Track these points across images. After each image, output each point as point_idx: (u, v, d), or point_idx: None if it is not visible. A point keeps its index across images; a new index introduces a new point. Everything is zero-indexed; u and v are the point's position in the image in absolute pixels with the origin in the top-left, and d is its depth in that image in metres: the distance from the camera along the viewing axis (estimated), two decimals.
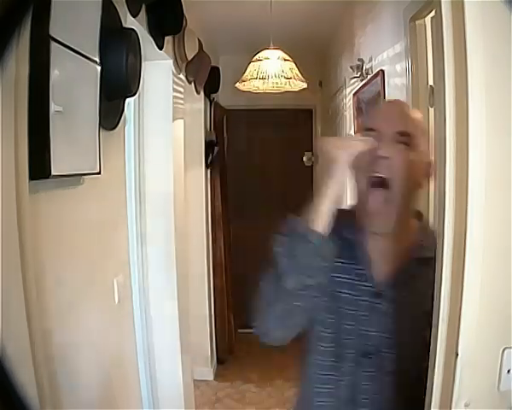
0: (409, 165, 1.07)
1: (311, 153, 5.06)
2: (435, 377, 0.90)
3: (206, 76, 3.54)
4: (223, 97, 4.54)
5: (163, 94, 2.66)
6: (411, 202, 1.12)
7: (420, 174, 1.12)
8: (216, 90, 4.16)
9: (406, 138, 1.09)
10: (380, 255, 1.11)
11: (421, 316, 0.97)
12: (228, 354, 4.24)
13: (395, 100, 1.28)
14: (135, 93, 1.81)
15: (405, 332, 1.07)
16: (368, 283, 1.09)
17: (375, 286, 1.09)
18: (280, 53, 2.76)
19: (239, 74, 2.88)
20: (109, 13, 1.61)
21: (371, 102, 2.75)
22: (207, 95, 3.98)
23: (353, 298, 1.09)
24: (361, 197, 1.10)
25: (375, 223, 1.08)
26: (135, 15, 1.98)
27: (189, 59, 2.91)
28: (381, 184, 1.06)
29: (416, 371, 0.97)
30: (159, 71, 2.62)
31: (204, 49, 3.38)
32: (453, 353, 0.86)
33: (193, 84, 3.34)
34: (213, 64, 3.75)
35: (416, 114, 1.21)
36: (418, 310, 1.03)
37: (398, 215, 1.07)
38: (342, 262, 1.10)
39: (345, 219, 1.12)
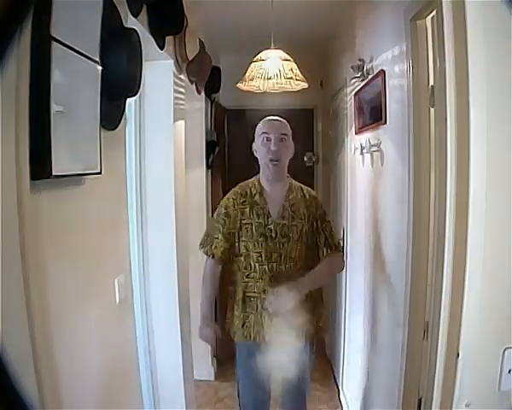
0: (286, 150, 2.26)
1: (311, 153, 5.06)
2: (436, 377, 0.90)
3: (206, 76, 3.54)
4: (224, 97, 4.54)
5: (164, 94, 2.66)
6: (287, 165, 2.30)
7: (291, 152, 2.31)
8: (217, 90, 4.16)
9: (284, 136, 2.24)
10: (273, 195, 2.28)
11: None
12: (229, 354, 4.23)
13: (275, 117, 2.32)
14: (136, 93, 1.81)
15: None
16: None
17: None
18: (281, 53, 2.76)
19: (240, 74, 2.87)
20: (110, 13, 1.61)
21: (372, 102, 2.75)
22: (208, 95, 3.98)
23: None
24: (264, 168, 2.28)
25: (273, 176, 2.27)
26: (136, 15, 1.99)
27: (190, 59, 2.91)
28: (275, 160, 2.23)
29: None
30: (160, 71, 2.62)
31: (205, 49, 3.38)
32: (454, 353, 0.86)
33: (194, 84, 3.34)
34: (214, 64, 3.75)
35: (285, 123, 2.30)
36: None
37: (283, 172, 2.30)
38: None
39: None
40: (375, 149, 2.68)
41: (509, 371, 0.89)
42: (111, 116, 1.69)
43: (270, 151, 2.19)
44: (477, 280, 0.85)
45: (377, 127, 2.64)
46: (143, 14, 2.14)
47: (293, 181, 2.35)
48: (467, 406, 0.88)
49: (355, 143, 3.27)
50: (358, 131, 3.13)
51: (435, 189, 1.86)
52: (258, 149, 2.26)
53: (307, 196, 2.32)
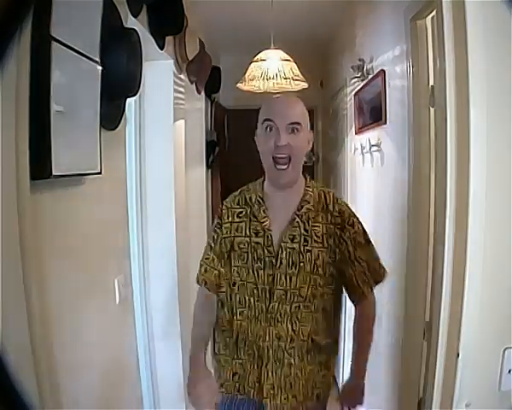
0: (299, 144, 1.53)
1: (312, 152, 5.06)
2: (436, 377, 0.90)
3: (207, 76, 3.54)
4: (224, 97, 4.54)
5: (164, 94, 2.66)
6: (301, 164, 1.59)
7: (306, 146, 1.58)
8: (217, 90, 4.16)
9: (296, 126, 1.51)
10: (279, 206, 1.60)
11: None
12: None
13: (284, 97, 1.72)
14: (136, 93, 1.81)
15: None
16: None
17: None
18: (281, 53, 2.76)
19: (240, 74, 2.87)
20: (110, 13, 1.61)
21: (372, 102, 2.75)
22: (208, 95, 3.98)
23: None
24: (268, 170, 1.57)
25: (280, 182, 1.56)
26: (136, 15, 1.99)
27: (190, 59, 2.91)
28: (282, 162, 1.51)
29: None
30: (160, 71, 2.62)
31: (205, 49, 3.38)
32: (454, 353, 0.86)
33: (194, 84, 3.34)
34: (214, 64, 3.75)
35: (299, 104, 1.57)
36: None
37: (294, 176, 1.57)
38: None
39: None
40: (375, 149, 2.68)
41: (509, 371, 0.89)
42: (111, 116, 1.69)
43: (276, 147, 1.50)
44: (477, 280, 0.85)
45: (377, 127, 2.64)
46: (143, 14, 2.14)
47: (312, 183, 1.64)
48: (467, 406, 0.88)
49: (355, 143, 3.27)
50: (358, 131, 3.13)
51: (435, 189, 1.86)
52: (260, 142, 1.58)
53: (331, 207, 1.58)
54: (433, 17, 1.87)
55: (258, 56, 2.79)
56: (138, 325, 2.46)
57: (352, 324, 1.70)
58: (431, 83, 1.96)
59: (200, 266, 1.67)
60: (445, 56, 0.86)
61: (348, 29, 3.49)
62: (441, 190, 0.92)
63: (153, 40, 2.30)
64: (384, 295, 2.53)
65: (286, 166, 1.51)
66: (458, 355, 0.86)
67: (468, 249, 0.84)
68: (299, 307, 1.54)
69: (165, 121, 2.67)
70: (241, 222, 1.60)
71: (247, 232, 1.58)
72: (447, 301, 0.89)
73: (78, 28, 1.32)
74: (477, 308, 0.85)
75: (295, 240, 1.54)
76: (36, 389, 1.02)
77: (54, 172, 1.18)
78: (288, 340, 1.55)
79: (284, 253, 1.53)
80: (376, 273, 1.61)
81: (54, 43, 1.15)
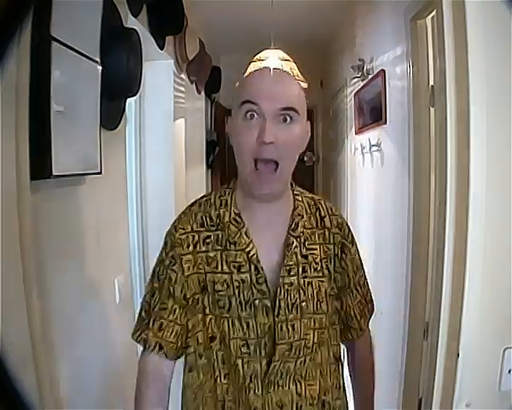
0: (292, 141, 1.02)
1: (312, 153, 5.06)
2: (436, 377, 0.90)
3: (207, 76, 3.54)
4: (224, 97, 4.55)
5: (164, 94, 2.67)
6: (293, 168, 1.08)
7: (303, 142, 1.07)
8: (217, 90, 4.16)
9: (290, 112, 1.01)
10: (265, 225, 1.10)
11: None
12: None
13: (274, 70, 1.11)
14: (136, 93, 1.81)
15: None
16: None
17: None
18: (280, 53, 2.76)
19: (240, 74, 2.87)
20: (110, 13, 1.61)
21: (372, 102, 2.75)
22: (208, 95, 3.98)
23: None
24: (245, 174, 1.04)
25: (262, 192, 1.03)
26: (136, 15, 1.99)
27: (190, 59, 2.91)
28: (267, 163, 1.00)
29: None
30: (160, 71, 2.62)
31: (205, 49, 3.38)
32: (454, 353, 0.86)
33: (194, 83, 3.34)
34: (214, 64, 3.75)
35: (294, 82, 1.10)
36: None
37: (283, 184, 1.07)
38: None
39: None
40: (375, 149, 2.68)
41: (509, 371, 0.89)
42: (111, 116, 1.69)
43: (260, 145, 0.98)
44: (477, 280, 0.85)
45: (377, 127, 2.64)
46: (143, 14, 2.14)
47: (300, 192, 1.18)
48: (467, 406, 0.88)
49: (355, 143, 3.27)
50: (358, 131, 3.13)
51: (435, 189, 1.86)
52: (235, 134, 1.05)
53: (328, 221, 1.15)
54: (433, 17, 1.87)
55: (257, 56, 2.79)
56: None
57: (348, 370, 1.30)
58: (431, 83, 1.96)
59: (150, 320, 1.08)
60: (445, 56, 0.86)
61: (348, 29, 3.49)
62: (441, 190, 0.91)
63: (153, 40, 2.30)
64: (384, 295, 2.53)
65: (272, 172, 1.00)
66: (458, 355, 0.86)
67: (468, 249, 0.84)
68: (305, 361, 1.10)
69: (165, 121, 2.67)
70: (211, 252, 1.07)
71: (224, 267, 1.06)
72: (447, 301, 0.89)
73: (78, 28, 1.32)
74: (477, 308, 0.85)
75: (293, 272, 1.07)
76: (36, 389, 1.02)
77: (54, 172, 1.18)
78: (294, 408, 1.09)
79: (283, 292, 1.05)
80: (371, 303, 1.23)
81: (54, 43, 1.15)
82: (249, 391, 1.07)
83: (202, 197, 1.16)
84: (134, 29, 1.75)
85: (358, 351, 1.27)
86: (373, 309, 1.24)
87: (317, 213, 1.16)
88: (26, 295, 1.01)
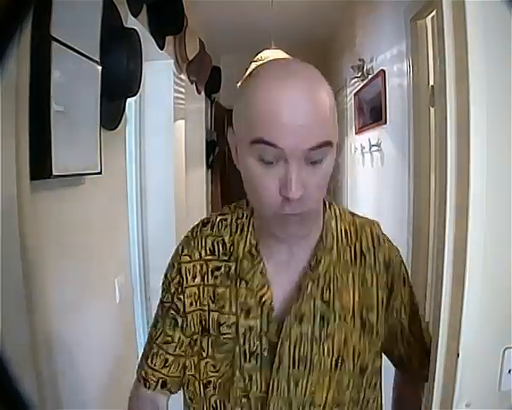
0: (325, 179, 0.77)
1: None
2: (436, 377, 0.89)
3: (207, 76, 3.54)
4: (224, 97, 4.55)
5: (164, 94, 2.67)
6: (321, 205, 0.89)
7: (328, 172, 0.77)
8: (217, 90, 4.16)
9: (323, 149, 0.72)
10: (284, 264, 0.89)
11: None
12: None
13: (294, 74, 0.72)
14: (136, 93, 1.81)
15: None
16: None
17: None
18: (280, 53, 2.76)
19: (240, 74, 2.88)
20: (110, 13, 1.61)
21: (372, 102, 2.75)
22: (208, 95, 3.98)
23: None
24: (267, 219, 0.79)
25: (287, 235, 0.81)
26: (136, 15, 1.99)
27: (190, 59, 2.91)
28: (294, 215, 0.76)
29: None
30: (160, 71, 2.62)
31: (205, 49, 3.38)
32: (454, 353, 0.86)
33: (194, 84, 3.34)
34: (214, 64, 3.75)
35: (325, 92, 0.73)
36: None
37: (310, 224, 0.82)
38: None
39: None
40: (375, 149, 2.68)
41: (509, 371, 0.89)
42: (111, 116, 1.69)
43: (283, 201, 0.73)
44: (477, 280, 0.84)
45: (377, 127, 2.64)
46: (143, 14, 2.14)
47: (336, 212, 0.92)
48: (467, 406, 0.88)
49: (355, 143, 3.27)
50: (358, 131, 3.13)
51: (435, 189, 1.86)
52: (247, 174, 0.77)
53: (371, 257, 0.91)
54: (433, 17, 1.87)
55: (258, 56, 2.79)
56: (138, 325, 2.46)
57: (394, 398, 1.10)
58: (431, 83, 1.96)
59: (153, 354, 0.97)
60: (445, 56, 0.86)
61: (348, 29, 3.49)
62: (441, 190, 0.91)
63: (153, 40, 2.30)
64: None
65: (298, 218, 0.76)
66: (458, 355, 0.86)
67: (468, 249, 0.84)
68: None
69: (165, 121, 2.67)
70: (219, 287, 0.89)
71: (232, 308, 0.88)
72: (447, 301, 0.89)
73: (78, 28, 1.32)
74: (477, 308, 0.85)
75: (305, 320, 0.85)
76: (36, 389, 1.02)
77: (54, 172, 1.18)
78: None
79: (287, 344, 0.85)
80: (427, 352, 0.97)
81: (54, 43, 1.15)
82: None
83: (219, 215, 0.98)
84: (134, 29, 1.75)
85: (413, 390, 1.05)
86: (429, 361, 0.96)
87: (357, 246, 0.90)
88: (25, 296, 1.01)
